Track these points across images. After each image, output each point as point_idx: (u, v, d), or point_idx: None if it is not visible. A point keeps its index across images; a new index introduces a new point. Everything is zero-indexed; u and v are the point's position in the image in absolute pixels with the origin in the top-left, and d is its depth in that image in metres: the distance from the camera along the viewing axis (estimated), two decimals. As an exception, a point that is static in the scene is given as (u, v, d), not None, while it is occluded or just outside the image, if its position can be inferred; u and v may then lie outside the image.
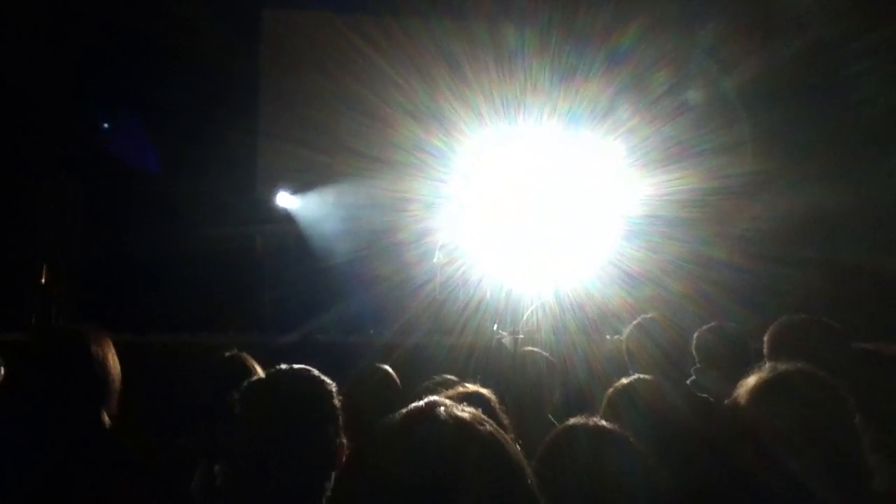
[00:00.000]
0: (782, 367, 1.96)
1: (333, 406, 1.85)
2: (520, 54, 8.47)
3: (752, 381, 1.94)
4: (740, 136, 8.34)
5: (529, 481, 1.07)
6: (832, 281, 7.57)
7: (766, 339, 2.83)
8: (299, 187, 8.91)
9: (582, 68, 8.33)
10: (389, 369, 3.42)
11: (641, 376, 2.38)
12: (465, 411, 1.10)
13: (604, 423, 1.75)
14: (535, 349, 3.61)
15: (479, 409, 1.15)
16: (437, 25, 8.58)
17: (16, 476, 1.96)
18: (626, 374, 2.74)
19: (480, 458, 1.03)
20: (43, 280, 7.99)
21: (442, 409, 1.09)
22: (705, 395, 2.77)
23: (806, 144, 8.21)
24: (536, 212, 8.17)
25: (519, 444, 1.13)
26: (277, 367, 1.95)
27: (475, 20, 8.63)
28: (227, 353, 2.89)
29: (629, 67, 8.41)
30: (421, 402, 1.12)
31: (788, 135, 8.32)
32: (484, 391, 2.25)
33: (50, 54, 7.86)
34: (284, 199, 8.95)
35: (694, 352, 3.34)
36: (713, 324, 3.49)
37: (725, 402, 2.05)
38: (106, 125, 8.78)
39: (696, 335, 3.40)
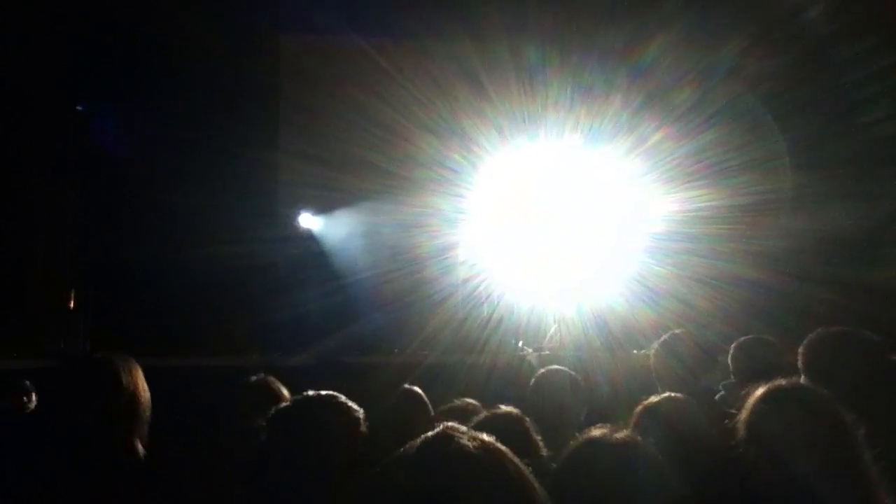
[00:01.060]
0: (780, 382, 2.00)
1: (361, 431, 1.83)
2: (541, 71, 8.49)
3: (752, 396, 1.99)
4: (766, 153, 8.28)
5: None
6: (858, 298, 7.46)
7: (801, 351, 2.79)
8: (321, 207, 8.97)
9: (604, 84, 8.33)
10: (419, 391, 3.42)
11: (670, 395, 2.37)
12: (477, 440, 1.09)
13: (625, 435, 1.73)
14: (560, 367, 3.59)
15: (504, 433, 1.15)
16: (457, 45, 8.63)
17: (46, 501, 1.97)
18: (651, 391, 2.72)
19: (487, 492, 1.03)
20: (71, 305, 8.08)
21: (454, 440, 1.08)
22: (733, 412, 2.74)
23: (832, 161, 8.13)
24: (559, 227, 8.16)
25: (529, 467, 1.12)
26: (304, 393, 1.95)
27: (495, 39, 8.66)
28: (254, 378, 2.86)
29: (652, 84, 8.39)
30: (434, 433, 1.12)
31: (814, 152, 8.24)
32: (517, 413, 2.24)
33: (64, 66, 8.01)
34: (306, 220, 9.02)
35: (730, 364, 3.32)
36: (750, 337, 3.46)
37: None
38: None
39: (731, 348, 3.38)
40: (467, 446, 1.07)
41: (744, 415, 1.96)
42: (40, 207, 8.16)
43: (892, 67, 7.66)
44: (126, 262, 8.25)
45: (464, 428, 1.13)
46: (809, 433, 1.82)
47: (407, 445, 1.11)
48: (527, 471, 1.10)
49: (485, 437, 1.12)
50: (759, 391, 1.97)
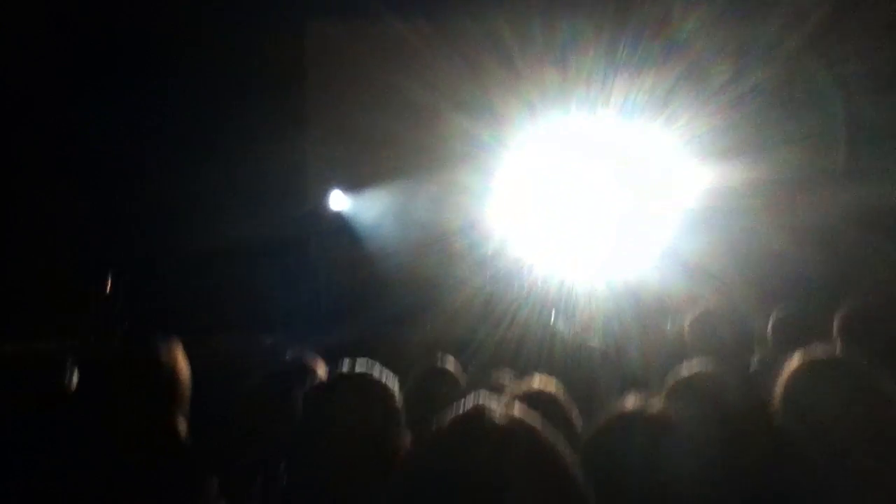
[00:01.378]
0: (816, 352, 1.95)
1: (395, 408, 1.83)
2: (573, 45, 8.38)
3: (787, 368, 1.95)
4: (804, 128, 8.12)
5: (577, 488, 1.05)
6: (896, 273, 7.32)
7: (837, 319, 2.74)
8: (351, 185, 8.98)
9: (639, 57, 8.20)
10: (448, 366, 3.42)
11: (703, 368, 2.34)
12: (510, 417, 1.08)
13: (657, 409, 1.71)
14: (592, 341, 3.58)
15: (538, 409, 1.14)
16: (487, 20, 8.54)
17: (88, 483, 2.01)
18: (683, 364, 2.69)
19: (521, 468, 1.02)
20: (108, 289, 8.20)
21: (485, 416, 1.08)
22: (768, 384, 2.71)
23: (872, 137, 7.95)
24: (592, 201, 8.10)
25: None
26: (338, 369, 1.95)
27: (526, 14, 8.54)
28: (290, 356, 2.87)
29: (689, 57, 8.25)
30: (465, 410, 1.11)
31: (854, 127, 8.06)
32: (552, 388, 2.23)
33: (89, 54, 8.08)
34: (337, 198, 9.04)
35: (769, 337, 3.29)
36: (790, 310, 3.41)
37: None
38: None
39: (771, 320, 3.34)
40: (500, 421, 1.07)
41: (779, 388, 1.92)
42: (72, 194, 8.28)
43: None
44: (158, 244, 8.36)
45: (495, 403, 1.12)
46: (847, 404, 1.77)
47: (438, 423, 1.11)
48: (562, 444, 1.09)
49: (517, 411, 1.11)
50: (794, 363, 1.93)
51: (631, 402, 1.72)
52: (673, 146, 8.31)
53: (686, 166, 8.23)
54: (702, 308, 3.41)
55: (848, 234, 7.93)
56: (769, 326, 3.32)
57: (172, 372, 2.28)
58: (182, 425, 2.26)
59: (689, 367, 2.33)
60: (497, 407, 1.11)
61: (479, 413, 1.09)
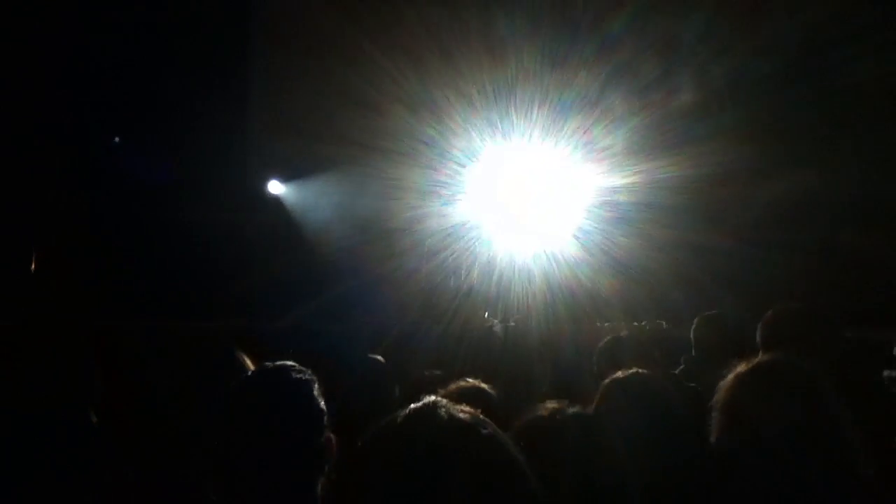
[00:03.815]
0: (765, 357, 1.98)
1: (313, 405, 1.80)
2: (510, 43, 8.44)
3: (735, 371, 1.97)
4: (729, 124, 8.34)
5: (531, 482, 1.07)
6: (820, 264, 7.60)
7: (759, 327, 2.82)
8: (291, 175, 8.85)
9: (572, 57, 8.30)
10: (381, 360, 3.43)
11: (637, 370, 2.38)
12: (464, 412, 1.10)
13: (585, 409, 1.73)
14: (527, 339, 3.62)
15: (479, 407, 1.15)
16: (430, 13, 8.52)
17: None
18: (616, 363, 2.75)
19: (480, 461, 1.03)
20: (32, 267, 7.92)
21: (442, 410, 1.09)
22: (693, 385, 2.78)
23: (795, 130, 8.22)
24: (527, 199, 8.18)
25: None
26: (260, 365, 1.91)
27: (466, 9, 8.56)
28: (217, 347, 2.79)
29: (619, 55, 8.39)
30: (421, 403, 1.12)
31: (777, 121, 8.31)
32: (484, 386, 2.25)
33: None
34: (275, 187, 8.90)
35: (692, 340, 3.34)
36: (712, 312, 3.48)
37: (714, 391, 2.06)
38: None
39: (694, 323, 3.40)
40: (456, 415, 1.08)
41: (723, 394, 1.94)
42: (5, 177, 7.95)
43: (852, 37, 7.75)
44: (94, 226, 8.10)
45: (445, 400, 1.13)
46: (794, 410, 1.80)
47: (389, 418, 1.10)
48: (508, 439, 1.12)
49: (466, 407, 1.12)
50: (739, 369, 1.95)
51: (551, 405, 1.73)
52: (606, 143, 8.45)
53: (618, 164, 8.37)
54: (630, 326, 3.46)
55: (772, 226, 8.19)
56: (692, 330, 3.38)
57: (83, 362, 2.23)
58: (91, 415, 2.22)
59: (624, 370, 2.37)
60: (448, 403, 1.11)
61: (435, 407, 1.10)
